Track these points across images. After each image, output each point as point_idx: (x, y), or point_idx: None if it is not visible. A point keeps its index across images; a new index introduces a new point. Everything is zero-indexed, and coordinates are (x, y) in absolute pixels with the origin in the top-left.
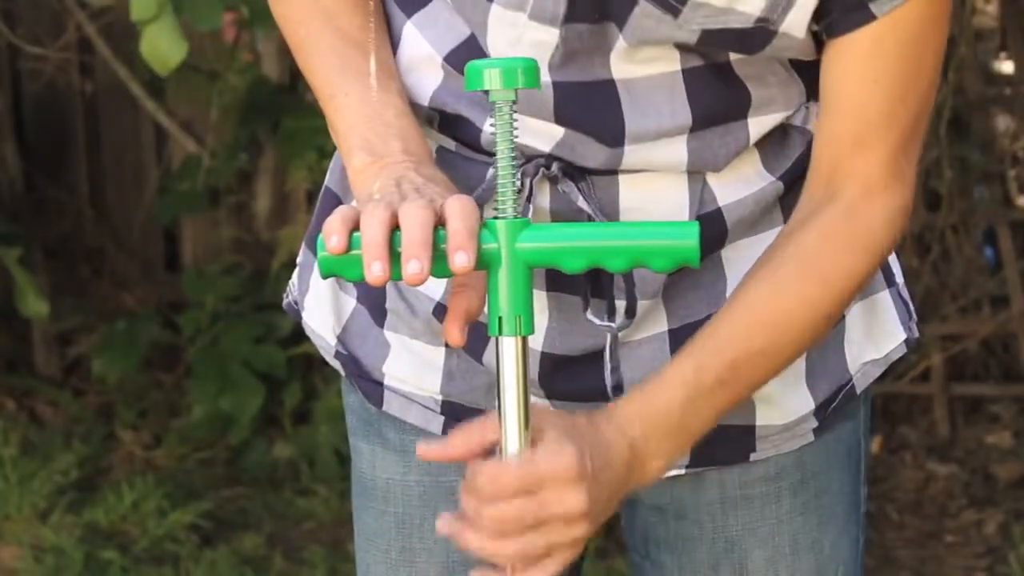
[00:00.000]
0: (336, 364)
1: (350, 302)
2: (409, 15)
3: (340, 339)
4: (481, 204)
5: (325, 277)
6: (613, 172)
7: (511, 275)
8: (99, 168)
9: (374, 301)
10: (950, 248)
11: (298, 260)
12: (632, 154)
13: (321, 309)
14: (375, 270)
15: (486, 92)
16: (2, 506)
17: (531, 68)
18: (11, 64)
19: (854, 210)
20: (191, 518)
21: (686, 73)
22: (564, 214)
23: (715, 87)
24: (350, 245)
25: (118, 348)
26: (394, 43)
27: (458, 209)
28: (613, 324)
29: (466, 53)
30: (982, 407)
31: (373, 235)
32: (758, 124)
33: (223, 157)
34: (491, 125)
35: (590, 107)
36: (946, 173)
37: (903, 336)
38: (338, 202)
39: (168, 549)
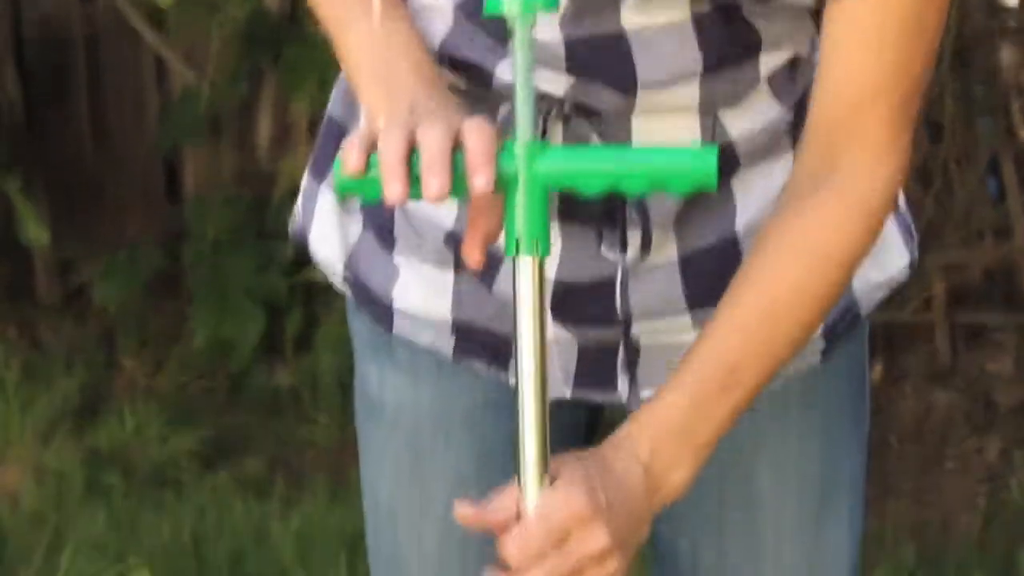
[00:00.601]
0: (344, 289)
1: (356, 228)
2: None
3: (347, 265)
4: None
5: (342, 198)
6: (624, 115)
7: (529, 197)
8: (100, 98)
9: (382, 227)
10: (953, 179)
11: (302, 186)
12: (644, 99)
13: (327, 235)
14: (393, 190)
15: (503, 19)
16: (4, 430)
17: None
18: None
19: (853, 182)
20: (192, 443)
21: (696, 20)
22: None
23: (725, 31)
24: (368, 166)
25: (119, 276)
26: None
27: (476, 131)
28: (626, 257)
29: (477, 2)
30: (983, 335)
31: (391, 156)
32: (768, 62)
33: (224, 86)
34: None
35: (601, 60)
36: (948, 105)
37: (907, 259)
38: (341, 130)
39: (170, 474)
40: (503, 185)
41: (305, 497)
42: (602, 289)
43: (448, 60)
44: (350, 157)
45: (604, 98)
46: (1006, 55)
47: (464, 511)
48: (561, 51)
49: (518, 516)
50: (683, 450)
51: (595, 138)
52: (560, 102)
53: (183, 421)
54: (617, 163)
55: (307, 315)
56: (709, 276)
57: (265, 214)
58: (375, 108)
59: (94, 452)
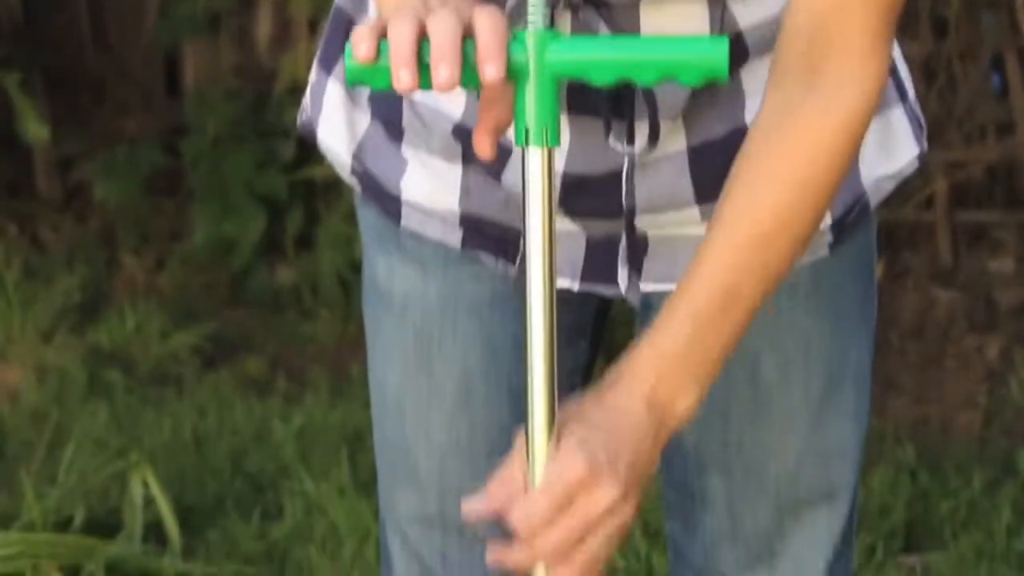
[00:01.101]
0: (352, 181)
1: (364, 119)
2: None
3: (356, 156)
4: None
5: (352, 86)
6: (633, 5)
7: (539, 86)
8: None
9: (390, 118)
10: (956, 75)
11: (311, 79)
12: None
13: (336, 127)
14: (403, 78)
15: None
16: (5, 328)
17: None
18: None
19: (836, 98)
20: (194, 340)
21: None
22: None
23: None
24: (377, 55)
25: (119, 173)
26: None
27: (487, 20)
28: (634, 149)
29: None
30: (985, 234)
31: (401, 44)
32: None
33: None
34: None
35: None
36: (953, 0)
37: (916, 151)
38: (349, 21)
39: (171, 371)
40: (513, 75)
41: (306, 395)
42: (610, 181)
43: None
44: (360, 45)
45: None
46: None
47: (473, 507)
48: None
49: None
50: (687, 378)
51: (603, 28)
52: None
53: (184, 319)
54: (628, 52)
55: (308, 213)
56: (718, 168)
57: (265, 111)
58: None
59: (95, 350)
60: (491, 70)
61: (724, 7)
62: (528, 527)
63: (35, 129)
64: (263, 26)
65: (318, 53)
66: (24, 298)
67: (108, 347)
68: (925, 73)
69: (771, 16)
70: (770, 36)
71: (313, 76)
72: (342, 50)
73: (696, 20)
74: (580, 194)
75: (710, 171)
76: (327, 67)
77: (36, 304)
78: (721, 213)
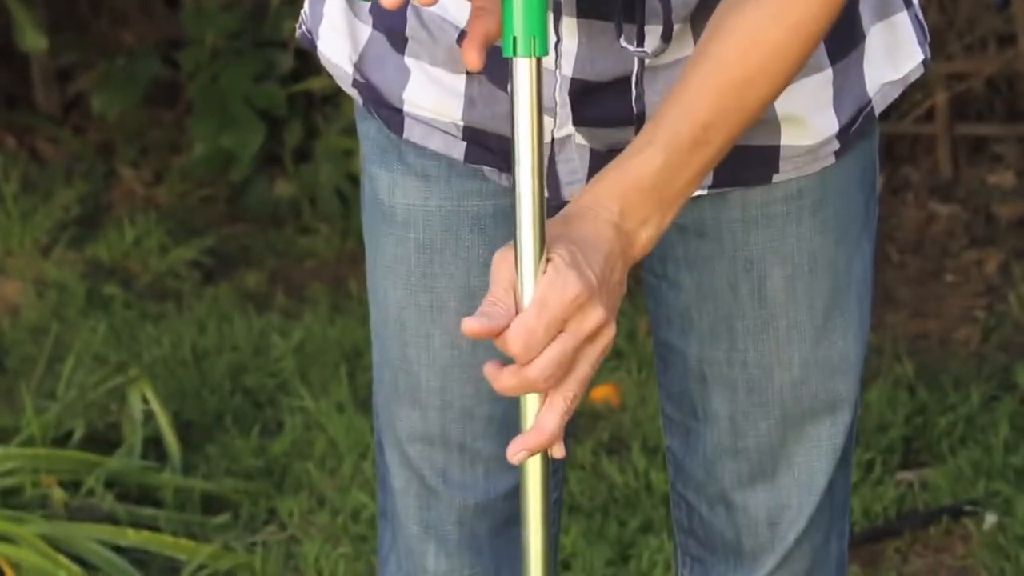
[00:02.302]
0: (353, 92)
1: (366, 29)
2: None
3: (357, 67)
4: None
5: None
6: None
7: None
8: None
9: (392, 28)
10: None
11: None
12: None
13: (337, 37)
14: None
15: None
16: (4, 241)
17: None
18: None
19: None
20: (192, 254)
21: None
22: None
23: None
24: None
25: (118, 85)
26: None
27: None
28: (646, 49)
29: None
30: (985, 147)
31: None
32: None
33: None
34: None
35: None
36: None
37: (920, 56)
38: None
39: (170, 285)
40: None
41: (305, 310)
42: (619, 87)
43: None
44: None
45: None
46: None
47: (472, 327)
48: None
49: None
50: (653, 207)
51: None
52: None
53: (183, 232)
54: None
55: (307, 126)
56: None
57: (264, 21)
58: None
59: (94, 264)
60: None
61: None
62: (525, 347)
63: (33, 39)
64: None
65: None
66: (23, 211)
67: (107, 261)
68: None
69: None
70: None
71: None
72: None
73: None
74: (589, 101)
75: None
76: None
77: (35, 217)
78: (709, 48)
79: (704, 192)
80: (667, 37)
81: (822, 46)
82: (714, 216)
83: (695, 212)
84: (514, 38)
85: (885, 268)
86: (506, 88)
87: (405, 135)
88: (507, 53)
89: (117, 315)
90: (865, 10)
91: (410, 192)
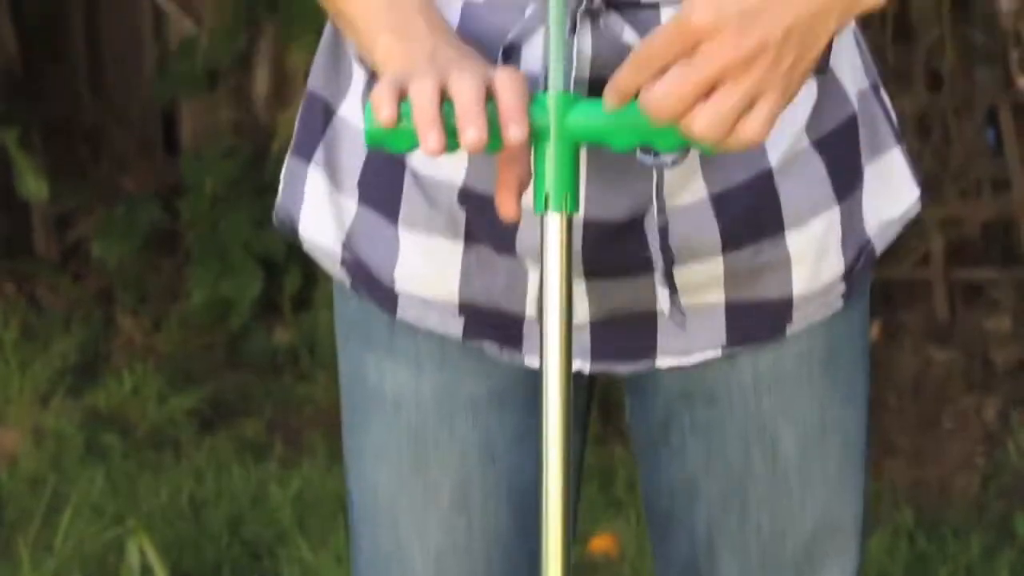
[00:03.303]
0: (342, 274)
1: (351, 204)
2: None
3: (346, 245)
4: (518, 45)
5: (371, 148)
6: (655, 6)
7: (559, 151)
8: (97, 49)
9: (384, 196)
10: (951, 130)
11: (283, 173)
12: None
13: (321, 217)
14: (431, 140)
15: None
16: (2, 390)
17: None
18: None
19: None
20: (191, 403)
21: None
22: (606, 55)
23: None
24: (399, 116)
25: (117, 231)
26: None
27: (509, 82)
28: (664, 159)
29: None
30: (982, 292)
31: (426, 105)
32: None
33: (221, 38)
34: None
35: None
36: (948, 53)
37: (916, 193)
38: (325, 107)
39: (168, 434)
40: (533, 137)
41: (304, 458)
42: (634, 228)
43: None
44: (382, 107)
45: None
46: (1005, 3)
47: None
48: None
49: None
50: None
51: (627, 31)
52: None
53: (182, 381)
54: (648, 119)
55: (305, 273)
56: (745, 212)
57: (263, 168)
58: (391, 57)
59: (93, 413)
60: (515, 131)
61: None
62: (641, 53)
63: (34, 186)
64: (260, 83)
65: (292, 141)
66: (22, 359)
67: (105, 410)
68: (920, 128)
69: None
70: None
71: (289, 165)
72: (320, 135)
73: None
74: (603, 247)
75: (736, 216)
76: (305, 154)
77: (34, 366)
78: None
79: (717, 353)
80: (686, 147)
81: (829, 184)
82: (724, 381)
83: (705, 378)
84: (546, 194)
85: (883, 414)
86: (506, 252)
87: (399, 315)
88: (539, 210)
89: (115, 465)
90: (862, 148)
91: (400, 377)
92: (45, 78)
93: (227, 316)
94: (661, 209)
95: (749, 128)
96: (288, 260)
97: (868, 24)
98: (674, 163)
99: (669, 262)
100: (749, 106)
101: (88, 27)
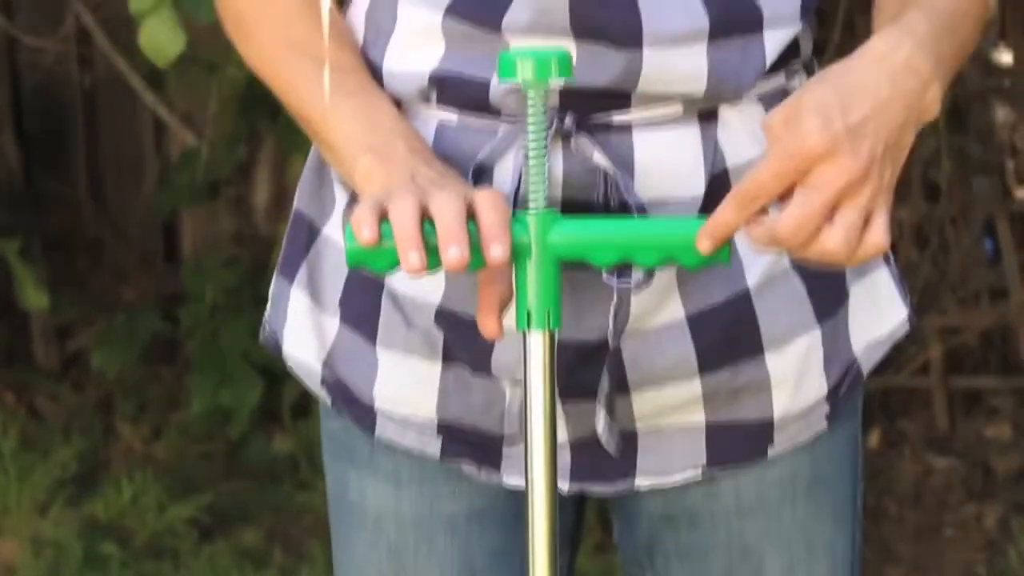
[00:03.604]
0: (322, 392)
1: (333, 324)
2: None
3: (326, 364)
4: (490, 166)
5: (352, 268)
6: (627, 128)
7: (541, 269)
8: (98, 160)
9: (363, 317)
10: (949, 240)
11: (271, 291)
12: (651, 63)
13: (303, 336)
14: (412, 259)
15: (518, 83)
16: (1, 500)
17: (565, 59)
18: (10, 55)
19: None
20: (190, 512)
21: None
22: (577, 176)
23: None
24: (380, 236)
25: (117, 341)
26: (387, 32)
27: (490, 201)
28: (629, 282)
29: (466, 7)
30: (981, 400)
31: (406, 224)
32: (773, 40)
33: (222, 149)
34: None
35: (606, 5)
36: (945, 164)
37: (904, 313)
38: (310, 226)
39: (167, 543)
40: (514, 256)
41: (303, 567)
42: (602, 352)
43: (438, 85)
44: (363, 227)
45: (608, 63)
46: (1001, 114)
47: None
48: (565, 6)
49: None
50: (933, 59)
51: (597, 154)
52: (560, 114)
53: (181, 489)
54: (629, 235)
55: None
56: (722, 333)
57: (263, 277)
58: (372, 178)
59: (92, 522)
60: (497, 250)
61: (715, 140)
62: (747, 189)
63: (35, 297)
64: (261, 194)
65: (279, 261)
66: (21, 469)
67: (104, 519)
68: (918, 238)
69: (760, 158)
70: None
71: (274, 286)
72: (304, 254)
73: (689, 149)
74: (574, 368)
75: (713, 337)
76: (288, 275)
77: (32, 475)
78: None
79: (698, 474)
80: (650, 271)
81: (809, 305)
82: (707, 505)
83: (686, 501)
84: (528, 311)
85: (883, 522)
86: (483, 372)
87: (377, 434)
88: (520, 327)
89: (114, 575)
90: (846, 268)
91: (380, 494)
92: (47, 189)
93: (227, 424)
94: (617, 332)
95: (874, 238)
96: (287, 369)
97: None
98: (638, 286)
99: (615, 384)
100: (868, 218)
101: (89, 139)
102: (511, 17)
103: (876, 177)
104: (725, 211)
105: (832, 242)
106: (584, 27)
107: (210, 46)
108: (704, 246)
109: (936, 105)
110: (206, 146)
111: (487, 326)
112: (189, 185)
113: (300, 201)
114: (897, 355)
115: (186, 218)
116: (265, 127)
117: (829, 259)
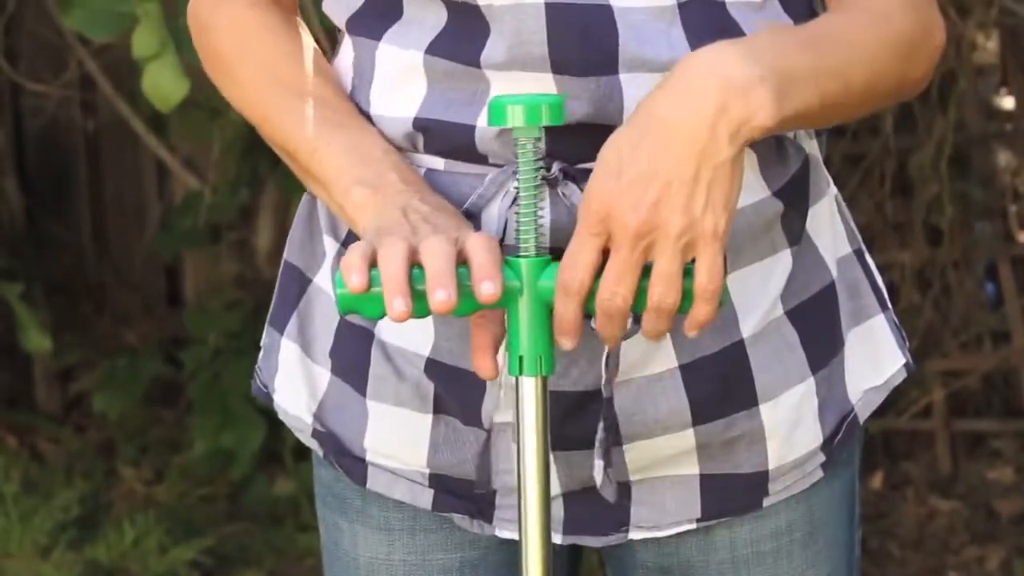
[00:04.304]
0: (313, 444)
1: (324, 375)
2: (380, 36)
3: (317, 416)
4: (477, 212)
5: (344, 315)
6: None
7: (532, 314)
8: (101, 204)
9: (353, 368)
10: (951, 283)
11: (263, 342)
12: (631, 95)
13: (294, 386)
14: (397, 306)
15: (509, 129)
16: (3, 543)
17: (556, 104)
18: (13, 101)
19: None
20: (192, 555)
21: (682, 8)
22: (564, 224)
23: (712, 27)
24: (369, 283)
25: (119, 384)
26: (370, 75)
27: (481, 244)
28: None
29: (449, 36)
30: (984, 443)
31: (393, 271)
32: None
33: (225, 193)
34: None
35: (585, 32)
36: (947, 208)
37: (902, 360)
38: (301, 277)
39: None
40: (505, 301)
41: None
42: (593, 401)
43: (423, 131)
44: (352, 274)
45: (584, 93)
46: (1003, 158)
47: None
48: (543, 23)
49: None
50: (762, 67)
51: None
52: (547, 163)
53: (182, 532)
54: None
55: None
56: (716, 384)
57: (265, 320)
58: (364, 210)
59: (94, 565)
60: (489, 287)
61: None
62: (567, 275)
63: (37, 340)
64: (263, 237)
65: (270, 313)
66: (22, 512)
67: (106, 562)
68: (920, 282)
69: (751, 206)
70: (750, 231)
71: (265, 338)
72: (294, 305)
73: None
74: (566, 417)
75: (706, 388)
76: (279, 326)
77: (34, 518)
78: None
79: (692, 526)
80: (638, 318)
81: (803, 354)
82: (702, 558)
83: (680, 554)
84: (520, 357)
85: (887, 564)
86: (473, 423)
87: (368, 485)
88: (512, 373)
89: None
90: (842, 315)
91: (372, 545)
92: (49, 233)
93: (228, 467)
94: (608, 380)
95: (700, 281)
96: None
97: (867, 181)
98: (625, 336)
99: (611, 433)
100: (688, 258)
101: (92, 183)
102: (488, 52)
103: (677, 216)
104: (557, 306)
105: (656, 295)
106: (561, 60)
107: (213, 90)
108: (567, 346)
109: (765, 110)
110: (209, 190)
111: (482, 366)
112: (192, 229)
113: (290, 252)
114: (899, 398)
115: (188, 262)
116: (267, 171)
117: (669, 314)
